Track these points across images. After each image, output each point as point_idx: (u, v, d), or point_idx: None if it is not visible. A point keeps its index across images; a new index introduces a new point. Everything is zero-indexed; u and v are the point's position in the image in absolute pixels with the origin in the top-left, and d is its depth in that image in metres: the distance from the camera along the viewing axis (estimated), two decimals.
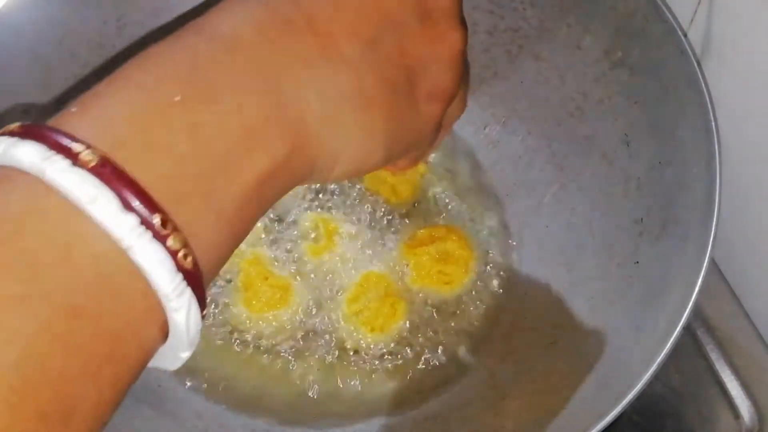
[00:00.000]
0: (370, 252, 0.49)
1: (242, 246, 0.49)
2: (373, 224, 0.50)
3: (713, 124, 0.40)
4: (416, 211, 0.51)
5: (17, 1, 0.45)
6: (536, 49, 0.50)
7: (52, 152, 0.20)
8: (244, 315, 0.47)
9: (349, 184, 0.51)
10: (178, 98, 0.22)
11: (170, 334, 0.22)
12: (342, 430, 0.45)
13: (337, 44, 0.26)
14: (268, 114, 0.24)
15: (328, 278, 0.48)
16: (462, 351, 0.47)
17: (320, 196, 0.51)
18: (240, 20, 0.25)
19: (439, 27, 0.28)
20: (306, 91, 0.25)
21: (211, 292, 0.48)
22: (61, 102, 0.48)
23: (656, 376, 0.35)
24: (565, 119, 0.49)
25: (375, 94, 0.26)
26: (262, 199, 0.24)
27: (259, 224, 0.50)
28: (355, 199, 0.51)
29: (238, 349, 0.46)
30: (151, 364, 0.22)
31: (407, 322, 0.47)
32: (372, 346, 0.46)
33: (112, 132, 0.21)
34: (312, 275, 0.48)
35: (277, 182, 0.24)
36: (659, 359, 0.36)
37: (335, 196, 0.51)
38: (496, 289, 0.48)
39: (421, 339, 0.47)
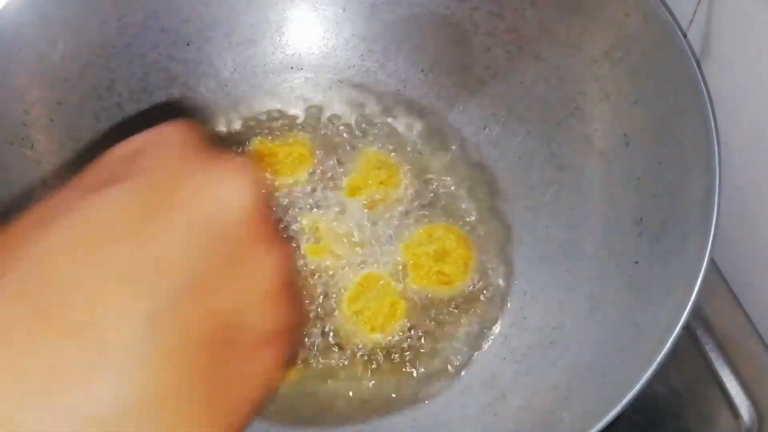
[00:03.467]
0: (370, 252, 0.49)
1: None
2: (372, 224, 0.50)
3: (713, 124, 0.40)
4: (415, 211, 0.51)
5: (17, 1, 0.45)
6: (536, 49, 0.50)
7: None
8: None
9: (344, 187, 0.51)
10: None
11: None
12: (342, 430, 0.45)
13: (109, 338, 0.19)
14: None
15: (327, 278, 0.48)
16: (462, 350, 0.47)
17: (320, 196, 0.51)
18: None
19: (244, 260, 0.22)
20: (87, 420, 0.18)
21: None
22: (61, 103, 0.48)
23: (656, 376, 0.35)
24: (565, 119, 0.49)
25: (178, 383, 0.20)
26: None
27: None
28: (354, 200, 0.51)
29: None
30: None
31: (407, 322, 0.47)
32: (372, 346, 0.46)
33: None
34: (312, 275, 0.48)
35: None
36: (659, 359, 0.36)
37: (334, 197, 0.51)
38: (495, 289, 0.48)
39: (420, 339, 0.47)
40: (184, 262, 0.21)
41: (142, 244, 0.20)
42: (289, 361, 0.25)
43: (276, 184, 0.51)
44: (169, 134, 0.24)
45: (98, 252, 0.20)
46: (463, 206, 0.51)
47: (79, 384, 0.18)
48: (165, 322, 0.20)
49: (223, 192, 0.22)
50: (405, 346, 0.47)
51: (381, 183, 0.51)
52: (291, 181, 0.51)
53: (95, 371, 0.19)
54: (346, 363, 0.46)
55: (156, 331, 0.20)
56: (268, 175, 0.52)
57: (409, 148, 0.53)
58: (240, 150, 0.53)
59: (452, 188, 0.52)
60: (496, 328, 0.47)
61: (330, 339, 0.47)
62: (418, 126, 0.54)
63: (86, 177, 0.23)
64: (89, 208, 0.21)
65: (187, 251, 0.21)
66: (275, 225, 0.24)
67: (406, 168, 0.52)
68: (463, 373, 0.46)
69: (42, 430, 0.18)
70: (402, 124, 0.54)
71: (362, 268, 0.48)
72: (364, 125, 0.54)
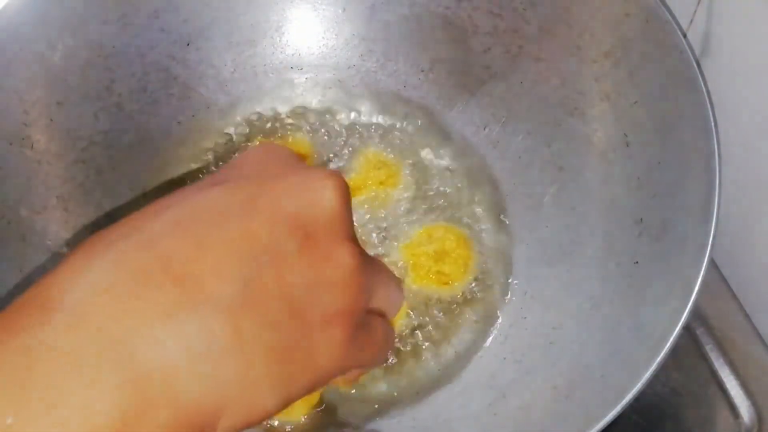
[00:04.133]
0: (370, 252, 0.49)
1: None
2: (371, 224, 0.50)
3: (713, 124, 0.40)
4: (415, 211, 0.51)
5: (17, 1, 0.45)
6: (536, 49, 0.50)
7: None
8: None
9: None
10: (10, 421, 0.20)
11: None
12: (343, 430, 0.45)
13: (202, 288, 0.23)
14: (125, 402, 0.21)
15: None
16: (461, 351, 0.47)
17: None
18: (82, 284, 0.22)
19: (321, 248, 0.26)
20: (170, 352, 0.22)
21: None
22: (61, 103, 0.48)
23: (656, 376, 0.35)
24: (565, 119, 0.49)
25: (253, 337, 0.24)
26: None
27: None
28: (353, 200, 0.51)
29: None
30: None
31: (407, 322, 0.47)
32: None
33: None
34: None
35: None
36: (659, 359, 0.36)
37: None
38: (495, 289, 0.48)
39: (421, 339, 0.47)
40: (271, 242, 0.25)
41: (239, 224, 0.25)
42: (377, 358, 0.30)
43: None
44: (269, 148, 0.30)
45: (202, 229, 0.24)
46: (463, 206, 0.51)
47: (170, 320, 0.22)
48: (253, 286, 0.24)
49: (314, 192, 0.26)
50: (405, 345, 0.47)
51: (381, 183, 0.51)
52: None
53: (184, 312, 0.23)
54: None
55: (245, 292, 0.24)
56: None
57: (408, 148, 0.53)
58: (239, 149, 0.53)
59: (452, 188, 0.52)
60: (496, 328, 0.47)
61: None
62: (418, 126, 0.54)
63: (202, 181, 0.28)
64: (200, 198, 0.25)
65: (275, 234, 0.25)
66: (352, 227, 0.27)
67: (405, 168, 0.52)
68: (463, 373, 0.46)
69: (139, 354, 0.22)
70: (402, 124, 0.54)
71: None
72: (364, 125, 0.54)
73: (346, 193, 0.27)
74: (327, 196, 0.26)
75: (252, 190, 0.26)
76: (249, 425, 0.24)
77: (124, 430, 0.21)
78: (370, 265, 0.28)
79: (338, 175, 0.27)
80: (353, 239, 0.27)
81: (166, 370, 0.22)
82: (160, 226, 0.24)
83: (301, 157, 0.30)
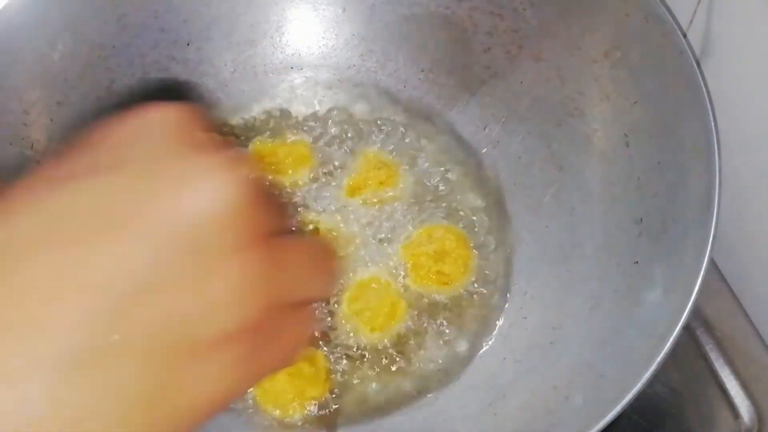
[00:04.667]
0: (370, 252, 0.49)
1: None
2: (372, 225, 0.50)
3: (713, 124, 0.40)
4: (415, 211, 0.51)
5: (17, 1, 0.45)
6: (536, 49, 0.50)
7: None
8: None
9: (344, 187, 0.51)
10: None
11: None
12: (343, 430, 0.45)
13: (49, 341, 0.19)
14: None
15: None
16: (462, 351, 0.47)
17: (320, 196, 0.51)
18: None
19: (206, 263, 0.21)
20: (16, 422, 0.18)
21: None
22: (61, 103, 0.48)
23: (656, 376, 0.35)
24: (565, 119, 0.49)
25: (113, 390, 0.20)
26: None
27: None
28: (354, 200, 0.51)
29: None
30: None
31: (407, 322, 0.47)
32: (372, 346, 0.46)
33: None
34: None
35: None
36: (659, 359, 0.36)
37: (334, 197, 0.51)
38: (495, 289, 0.48)
39: (420, 339, 0.47)
40: (144, 267, 0.20)
41: (105, 247, 0.20)
42: (282, 362, 0.25)
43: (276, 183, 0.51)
44: (161, 120, 0.23)
45: (57, 255, 0.20)
46: (463, 206, 0.51)
47: (11, 384, 0.18)
48: (118, 327, 0.19)
49: (199, 193, 0.21)
50: (405, 346, 0.47)
51: (381, 183, 0.51)
52: (291, 181, 0.51)
53: (25, 373, 0.18)
54: (346, 363, 0.46)
55: (104, 338, 0.19)
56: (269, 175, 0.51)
57: (408, 148, 0.53)
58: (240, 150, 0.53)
59: (452, 188, 0.52)
60: (496, 328, 0.47)
61: (330, 339, 0.47)
62: (418, 126, 0.54)
63: (69, 158, 0.23)
64: (54, 204, 0.21)
65: (150, 257, 0.20)
66: (248, 229, 0.22)
67: (405, 168, 0.52)
68: (463, 373, 0.46)
69: None
70: (402, 124, 0.54)
71: (362, 268, 0.48)
72: (363, 125, 0.54)
73: (239, 190, 0.21)
74: (214, 197, 0.21)
75: (134, 193, 0.21)
76: None
77: None
78: (275, 266, 0.22)
79: (230, 167, 0.22)
80: (247, 245, 0.22)
81: None
82: (12, 243, 0.20)
83: (194, 129, 0.23)
